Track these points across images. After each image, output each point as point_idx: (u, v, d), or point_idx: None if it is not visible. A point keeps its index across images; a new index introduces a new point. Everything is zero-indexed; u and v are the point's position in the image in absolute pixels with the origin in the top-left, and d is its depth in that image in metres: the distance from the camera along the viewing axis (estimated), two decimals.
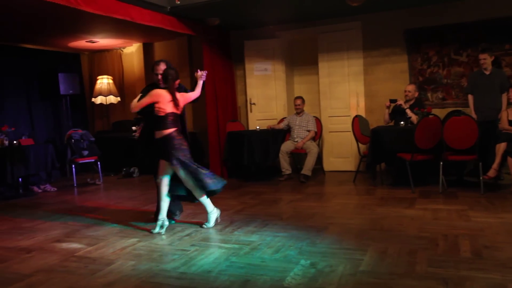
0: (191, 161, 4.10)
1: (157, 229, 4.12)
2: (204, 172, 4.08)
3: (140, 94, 4.24)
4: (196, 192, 4.13)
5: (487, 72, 5.74)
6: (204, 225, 4.24)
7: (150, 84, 4.50)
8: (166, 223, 4.18)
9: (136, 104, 4.13)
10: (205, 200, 4.21)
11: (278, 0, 6.10)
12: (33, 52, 8.21)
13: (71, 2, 4.68)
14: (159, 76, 4.30)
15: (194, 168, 4.06)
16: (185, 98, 4.25)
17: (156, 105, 4.06)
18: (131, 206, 5.45)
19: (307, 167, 6.59)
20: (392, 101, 6.17)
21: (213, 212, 4.27)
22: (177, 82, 4.19)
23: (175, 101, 4.10)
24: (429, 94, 6.82)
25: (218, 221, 4.32)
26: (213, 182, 4.10)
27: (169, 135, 4.05)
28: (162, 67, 4.31)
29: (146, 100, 4.10)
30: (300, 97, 7.15)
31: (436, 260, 3.09)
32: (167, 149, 4.03)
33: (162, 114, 4.05)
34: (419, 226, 3.94)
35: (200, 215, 4.56)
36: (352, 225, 4.11)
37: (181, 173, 4.06)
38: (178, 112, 4.17)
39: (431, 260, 3.08)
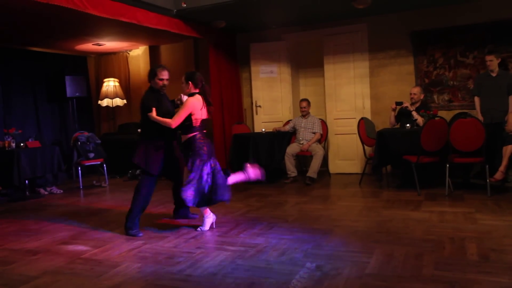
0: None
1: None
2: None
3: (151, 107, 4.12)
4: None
5: (494, 74, 5.71)
6: (198, 229, 4.26)
7: (150, 90, 4.32)
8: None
9: (176, 119, 4.03)
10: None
11: (284, 3, 6.10)
12: (40, 55, 8.27)
13: (78, 6, 4.71)
14: (165, 82, 4.27)
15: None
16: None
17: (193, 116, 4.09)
18: None
19: (313, 170, 6.58)
20: (398, 103, 6.15)
21: (208, 217, 4.27)
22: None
23: (208, 107, 4.16)
24: (435, 96, 6.79)
25: (213, 227, 4.30)
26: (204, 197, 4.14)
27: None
28: (167, 72, 4.29)
29: (185, 112, 4.05)
30: (306, 100, 7.15)
31: (443, 263, 3.07)
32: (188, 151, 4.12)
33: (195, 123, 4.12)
34: (425, 229, 3.93)
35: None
36: (358, 228, 4.10)
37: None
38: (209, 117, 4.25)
39: (438, 263, 3.06)
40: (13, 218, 5.30)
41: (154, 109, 4.08)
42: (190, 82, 4.15)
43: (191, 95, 4.17)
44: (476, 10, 6.37)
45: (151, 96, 4.26)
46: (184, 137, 4.16)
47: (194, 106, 4.07)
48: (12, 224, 4.98)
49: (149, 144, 4.26)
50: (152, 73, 4.28)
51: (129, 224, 4.25)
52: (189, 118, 4.07)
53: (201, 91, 4.16)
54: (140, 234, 4.20)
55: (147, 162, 4.24)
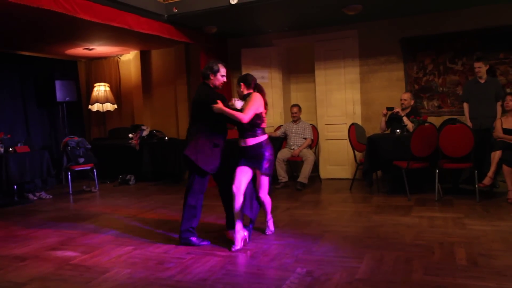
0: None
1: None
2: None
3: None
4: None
5: (482, 81, 5.78)
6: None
7: (207, 87, 3.93)
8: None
9: (249, 113, 3.75)
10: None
11: (275, 9, 6.13)
12: (30, 59, 8.21)
13: (69, 10, 4.70)
14: (225, 79, 3.96)
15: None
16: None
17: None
18: (127, 214, 5.43)
19: (304, 175, 6.59)
20: (389, 109, 6.19)
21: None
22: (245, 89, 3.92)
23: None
24: (425, 102, 6.85)
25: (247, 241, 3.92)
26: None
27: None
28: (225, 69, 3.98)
29: (254, 107, 3.78)
30: (297, 105, 7.17)
31: (432, 268, 3.09)
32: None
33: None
34: (415, 234, 3.95)
35: None
36: (349, 233, 4.11)
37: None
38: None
39: (427, 268, 3.08)
40: (0, 223, 5.23)
41: (219, 101, 3.70)
42: (242, 84, 3.91)
43: (244, 97, 3.89)
44: (465, 17, 6.45)
45: (214, 92, 3.84)
46: (253, 140, 3.87)
47: (260, 102, 3.72)
48: (0, 229, 4.92)
49: (205, 140, 3.84)
50: (214, 69, 3.84)
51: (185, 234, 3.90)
52: (260, 116, 3.77)
53: (257, 90, 3.89)
54: (204, 243, 3.89)
55: (200, 158, 3.79)
